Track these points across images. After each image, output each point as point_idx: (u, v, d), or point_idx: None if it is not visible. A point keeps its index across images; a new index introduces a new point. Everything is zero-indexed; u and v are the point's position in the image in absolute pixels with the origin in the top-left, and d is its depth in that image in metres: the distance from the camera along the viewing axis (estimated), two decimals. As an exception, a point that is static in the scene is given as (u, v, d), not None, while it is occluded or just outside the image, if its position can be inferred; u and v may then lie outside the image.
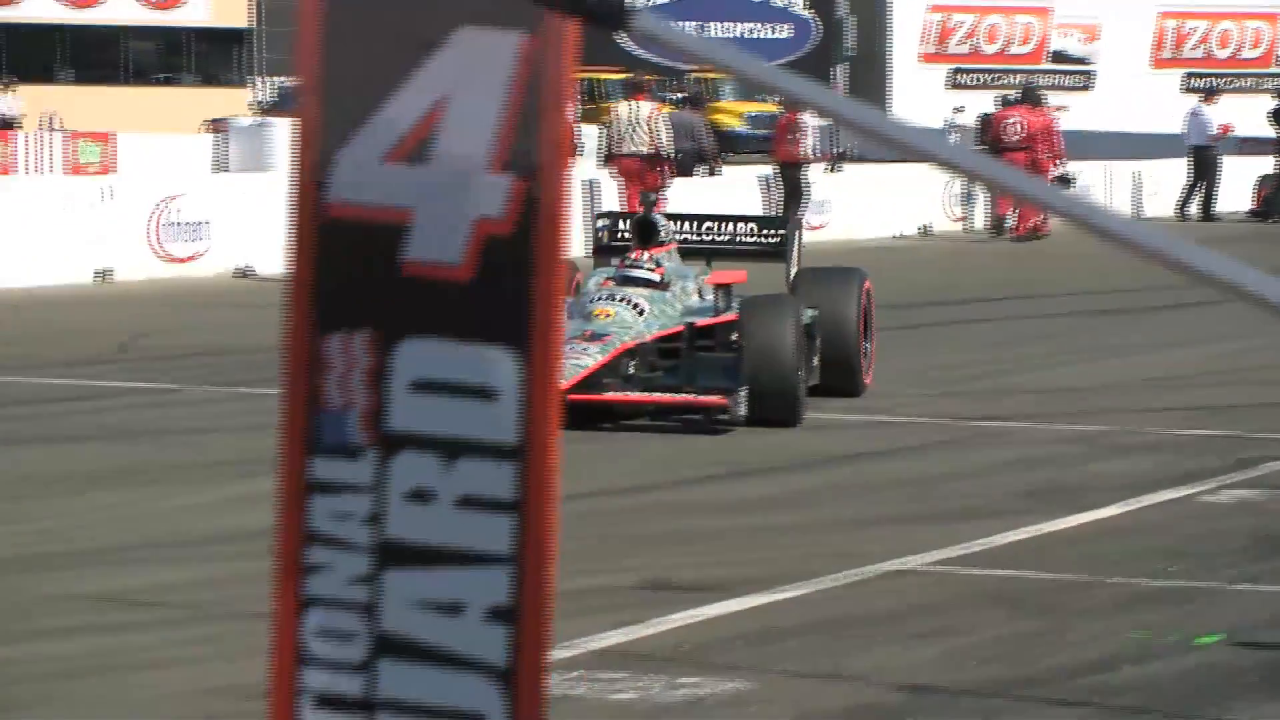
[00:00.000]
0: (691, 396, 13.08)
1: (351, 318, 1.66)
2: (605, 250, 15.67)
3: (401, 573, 1.64)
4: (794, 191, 29.24)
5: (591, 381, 12.63)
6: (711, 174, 30.30)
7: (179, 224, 22.72)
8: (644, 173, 26.43)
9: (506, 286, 1.63)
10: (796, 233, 16.86)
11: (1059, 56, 44.52)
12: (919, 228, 31.32)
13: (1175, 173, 34.03)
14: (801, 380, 13.23)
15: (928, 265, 27.33)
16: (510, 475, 1.61)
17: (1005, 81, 40.69)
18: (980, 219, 32.83)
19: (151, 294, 21.28)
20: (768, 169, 30.97)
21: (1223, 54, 44.71)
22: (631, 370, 13.21)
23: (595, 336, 12.82)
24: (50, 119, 33.38)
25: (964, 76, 43.72)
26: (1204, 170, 34.20)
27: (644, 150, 26.41)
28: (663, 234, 14.46)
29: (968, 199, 32.48)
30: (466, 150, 1.64)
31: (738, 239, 16.01)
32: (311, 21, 1.67)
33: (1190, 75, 42.13)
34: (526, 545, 1.59)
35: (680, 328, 13.52)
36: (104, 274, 21.92)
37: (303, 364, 1.65)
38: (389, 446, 1.65)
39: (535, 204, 1.62)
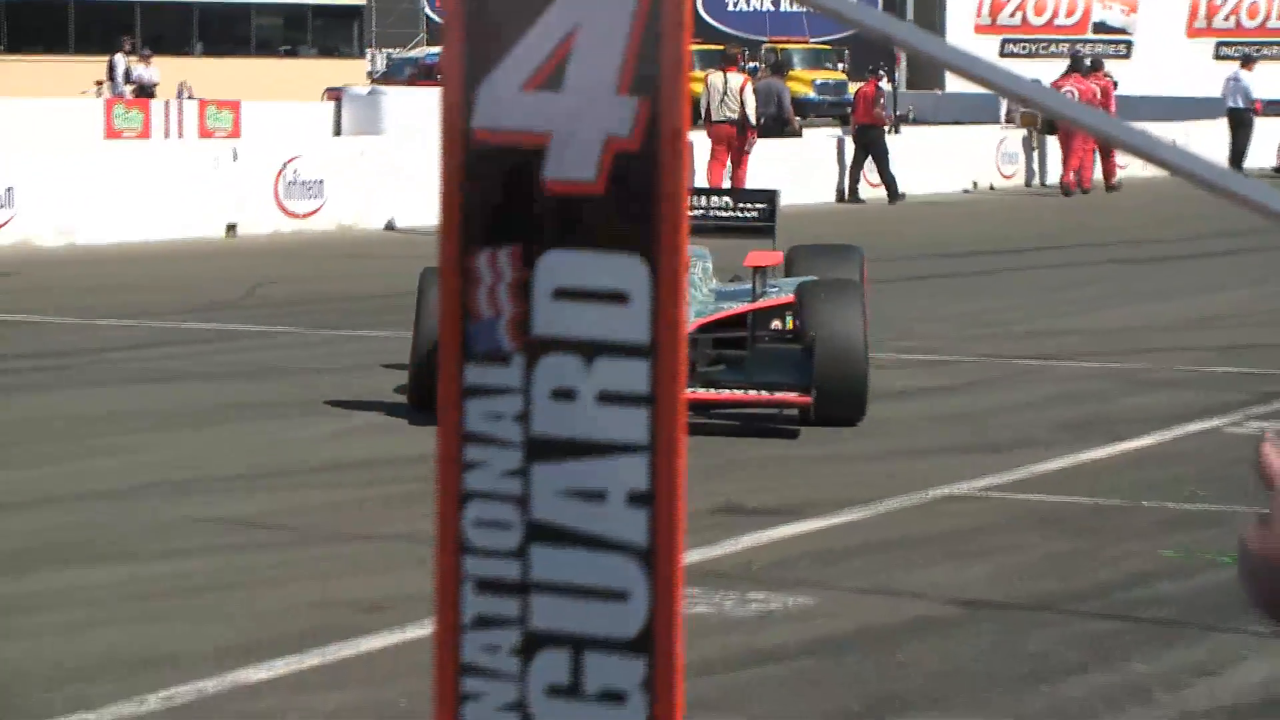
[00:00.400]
0: (768, 393, 10.71)
1: (498, 234, 1.67)
2: None
3: (549, 465, 1.65)
4: (878, 152, 29.15)
5: None
6: (792, 135, 30.36)
7: (299, 183, 22.73)
8: (732, 138, 26.72)
9: (636, 198, 1.63)
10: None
11: (1100, 27, 44.05)
12: (973, 183, 31.06)
13: (1212, 134, 33.69)
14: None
15: (987, 217, 27.08)
16: (644, 370, 1.62)
17: (1052, 50, 40.27)
18: (1039, 175, 32.68)
19: (274, 246, 21.40)
20: (838, 130, 30.99)
21: (1251, 24, 44.14)
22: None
23: None
24: (183, 88, 33.41)
25: (1013, 46, 43.27)
26: (1240, 130, 34.16)
27: (734, 117, 26.62)
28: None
29: (1030, 156, 32.30)
30: (596, 75, 1.64)
31: (710, 213, 12.87)
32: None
33: (1221, 44, 41.60)
34: (661, 434, 1.60)
35: (722, 313, 11.17)
36: (231, 228, 21.99)
37: (455, 279, 1.66)
38: (534, 350, 1.66)
39: (659, 121, 1.62)
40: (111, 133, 28.70)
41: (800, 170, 27.47)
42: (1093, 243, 22.39)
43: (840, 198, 28.93)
